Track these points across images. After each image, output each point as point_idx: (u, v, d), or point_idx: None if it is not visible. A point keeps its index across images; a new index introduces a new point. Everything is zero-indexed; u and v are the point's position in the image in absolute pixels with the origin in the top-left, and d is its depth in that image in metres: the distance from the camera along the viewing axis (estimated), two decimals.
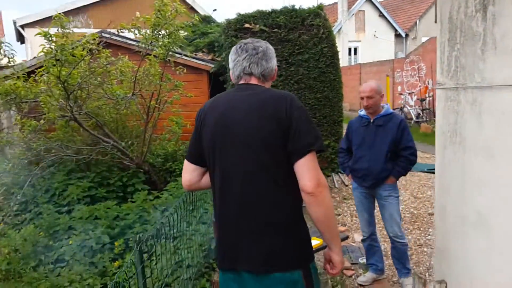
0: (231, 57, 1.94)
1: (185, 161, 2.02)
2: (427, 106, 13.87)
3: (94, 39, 4.26)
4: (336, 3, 22.51)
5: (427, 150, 9.93)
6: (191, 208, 4.08)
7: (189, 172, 2.00)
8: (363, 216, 3.89)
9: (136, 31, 4.57)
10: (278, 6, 6.26)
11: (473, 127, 1.86)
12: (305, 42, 6.05)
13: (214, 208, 1.95)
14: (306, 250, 1.83)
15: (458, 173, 1.99)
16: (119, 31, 4.60)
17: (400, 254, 3.66)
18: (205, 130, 1.88)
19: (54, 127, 5.75)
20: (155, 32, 4.49)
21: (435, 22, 2.37)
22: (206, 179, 1.99)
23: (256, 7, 6.49)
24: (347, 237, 4.01)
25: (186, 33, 7.13)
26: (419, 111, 13.96)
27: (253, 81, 1.90)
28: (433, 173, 7.91)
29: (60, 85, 4.27)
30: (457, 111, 2.02)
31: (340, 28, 21.06)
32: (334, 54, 6.20)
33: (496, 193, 1.69)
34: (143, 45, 4.76)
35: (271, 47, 1.98)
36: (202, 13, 11.06)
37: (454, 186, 2.03)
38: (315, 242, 3.05)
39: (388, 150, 3.50)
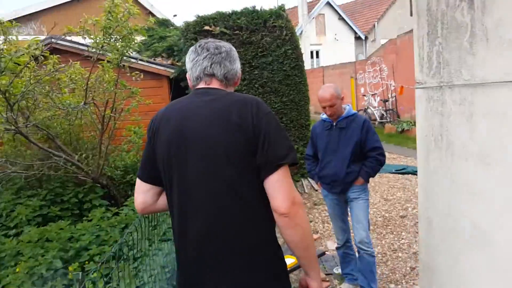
0: (190, 56, 1.66)
1: (137, 180, 1.72)
2: (390, 107, 14.00)
3: (37, 44, 3.84)
4: (296, 6, 22.57)
5: (393, 150, 9.93)
6: (153, 224, 3.75)
7: (143, 193, 1.70)
8: (336, 223, 3.69)
9: (86, 35, 4.18)
10: (238, 7, 5.99)
11: (462, 131, 1.65)
12: (268, 44, 5.83)
13: (173, 234, 1.66)
14: (284, 285, 1.57)
15: (447, 183, 1.78)
16: (66, 35, 4.19)
17: (366, 267, 3.38)
18: (159, 143, 1.59)
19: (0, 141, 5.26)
20: (107, 35, 4.12)
21: (411, 15, 2.17)
22: (163, 201, 1.70)
23: (216, 9, 6.21)
24: (323, 254, 3.79)
25: (143, 38, 6.76)
26: (383, 112, 14.08)
27: (215, 84, 1.63)
28: (402, 173, 7.96)
29: (1, 95, 3.84)
30: (442, 112, 1.81)
31: (301, 31, 21.10)
32: (299, 56, 6.01)
33: (497, 205, 1.48)
34: (94, 50, 4.37)
35: (234, 49, 1.72)
36: (160, 17, 10.66)
37: (442, 196, 1.82)
38: (290, 260, 2.80)
39: (352, 152, 3.32)
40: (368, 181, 3.42)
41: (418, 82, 2.06)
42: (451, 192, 1.74)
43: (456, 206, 1.72)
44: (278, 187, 1.44)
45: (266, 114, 1.48)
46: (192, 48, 1.68)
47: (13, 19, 5.27)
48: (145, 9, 14.47)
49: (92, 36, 4.23)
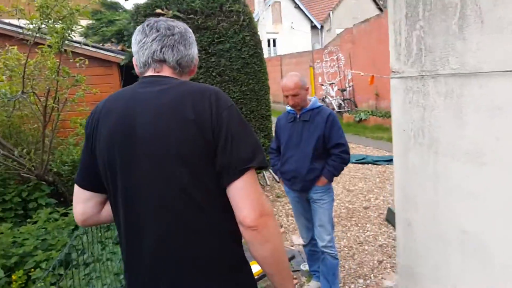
0: (136, 37, 1.37)
1: (75, 187, 1.42)
2: (348, 96, 14.07)
3: None
4: None
5: (352, 140, 9.92)
6: (106, 224, 3.43)
7: (82, 202, 1.40)
8: (300, 221, 3.50)
9: (19, 16, 3.70)
10: None
11: (449, 127, 1.47)
12: (225, 30, 5.52)
13: (120, 247, 1.39)
14: None
15: (429, 183, 1.60)
16: None
17: (329, 270, 3.21)
18: (99, 142, 1.30)
19: None
20: (43, 16, 3.67)
21: None
22: (108, 210, 1.41)
23: None
24: (293, 257, 3.60)
25: (89, 22, 6.25)
26: (341, 102, 14.12)
27: (166, 71, 1.35)
28: (362, 163, 7.94)
29: None
30: (424, 105, 1.62)
31: (258, 19, 20.82)
32: (257, 43, 5.75)
33: (491, 208, 1.31)
34: (29, 32, 3.90)
35: (190, 30, 1.43)
36: None
37: (423, 198, 1.65)
38: (256, 267, 2.57)
39: (315, 147, 3.11)
40: (331, 181, 3.24)
41: (394, 71, 1.87)
42: (436, 194, 1.56)
43: (442, 209, 1.54)
44: (244, 195, 1.20)
45: (228, 108, 1.23)
46: (139, 28, 1.38)
47: None
48: None
49: (27, 17, 3.76)
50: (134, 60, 1.41)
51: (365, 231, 4.80)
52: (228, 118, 1.21)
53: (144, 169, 1.23)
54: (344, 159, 3.17)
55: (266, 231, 1.21)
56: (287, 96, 3.11)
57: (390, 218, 4.95)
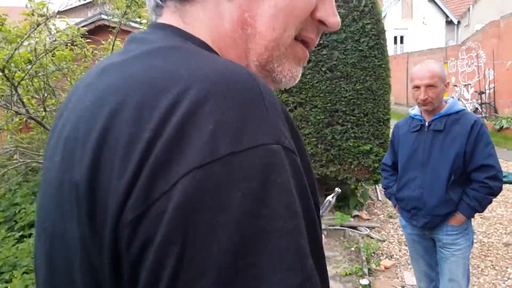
0: None
1: None
2: (486, 100, 12.08)
3: None
4: None
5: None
6: None
7: None
8: (419, 267, 2.61)
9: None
10: None
11: None
12: (342, 17, 4.69)
13: None
14: None
15: None
16: None
17: None
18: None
19: None
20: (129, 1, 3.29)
21: None
22: None
23: None
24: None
25: None
26: (477, 106, 12.21)
27: (165, 15, 0.57)
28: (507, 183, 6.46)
29: None
30: None
31: (385, 14, 19.34)
32: (380, 32, 4.79)
33: None
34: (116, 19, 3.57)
35: None
36: None
37: None
38: None
39: (451, 170, 2.19)
40: (472, 218, 2.28)
41: None
42: None
43: None
44: None
45: (224, 162, 0.37)
46: None
47: None
48: None
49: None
50: None
51: (504, 277, 3.63)
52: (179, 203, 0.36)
53: (43, 242, 0.53)
54: (492, 188, 2.21)
55: None
56: (417, 88, 2.23)
57: None
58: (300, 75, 0.62)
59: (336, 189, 0.80)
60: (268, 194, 0.36)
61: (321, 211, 0.77)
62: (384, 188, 2.67)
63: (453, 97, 2.37)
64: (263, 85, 0.42)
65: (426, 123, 2.31)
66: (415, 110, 2.40)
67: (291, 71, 0.58)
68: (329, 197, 0.80)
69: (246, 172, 0.36)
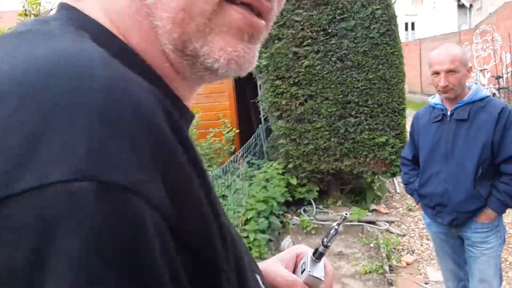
0: None
1: None
2: (504, 85, 11.72)
3: None
4: None
5: None
6: None
7: None
8: (446, 266, 2.44)
9: None
10: None
11: None
12: (350, 3, 4.48)
13: None
14: None
15: None
16: None
17: None
18: None
19: None
20: None
21: None
22: None
23: None
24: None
25: None
26: (494, 91, 11.84)
27: None
28: None
29: None
30: None
31: (395, 1, 18.94)
32: (391, 18, 4.58)
33: None
34: None
35: None
36: None
37: None
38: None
39: (479, 162, 2.02)
40: (503, 213, 2.09)
41: None
42: None
43: None
44: None
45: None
46: None
47: None
48: None
49: None
50: None
51: None
52: None
53: None
54: None
55: None
56: (437, 73, 2.04)
57: None
58: (257, 55, 0.41)
59: (344, 213, 0.65)
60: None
61: (325, 241, 0.63)
62: (405, 184, 2.49)
63: (476, 83, 2.18)
64: (117, 87, 0.29)
65: (448, 112, 2.13)
66: (435, 99, 2.21)
67: (225, 50, 0.38)
68: (334, 224, 0.65)
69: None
